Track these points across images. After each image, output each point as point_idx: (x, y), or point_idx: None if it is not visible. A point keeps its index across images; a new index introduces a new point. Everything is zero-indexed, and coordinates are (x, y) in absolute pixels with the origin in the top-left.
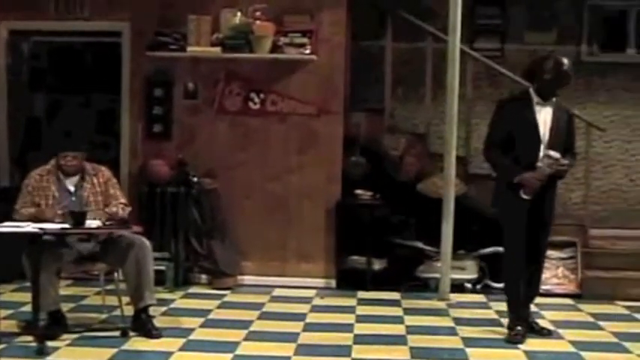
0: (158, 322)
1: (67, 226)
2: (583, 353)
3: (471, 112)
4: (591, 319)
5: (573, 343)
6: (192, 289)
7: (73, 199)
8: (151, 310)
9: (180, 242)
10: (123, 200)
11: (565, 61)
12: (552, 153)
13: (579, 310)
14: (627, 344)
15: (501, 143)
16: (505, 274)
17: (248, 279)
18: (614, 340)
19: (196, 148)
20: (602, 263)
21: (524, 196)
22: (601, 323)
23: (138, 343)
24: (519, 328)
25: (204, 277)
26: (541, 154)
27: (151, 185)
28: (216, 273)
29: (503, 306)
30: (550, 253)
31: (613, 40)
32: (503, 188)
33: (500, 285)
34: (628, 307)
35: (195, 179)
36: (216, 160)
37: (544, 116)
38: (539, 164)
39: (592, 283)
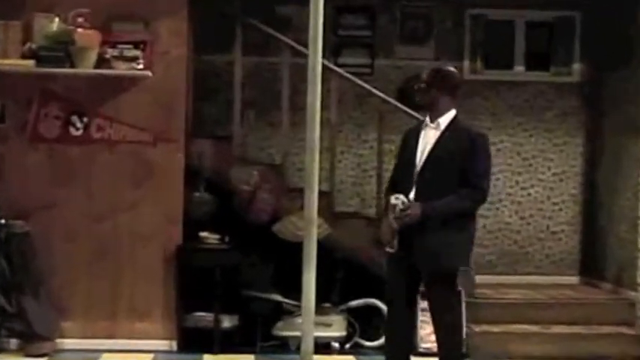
0: None
1: None
2: None
3: (336, 139)
4: None
5: None
6: None
7: None
8: None
9: None
10: None
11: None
12: (393, 199)
13: None
14: None
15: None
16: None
17: (69, 343)
18: None
19: (4, 183)
20: (490, 316)
21: (387, 249)
22: None
23: None
24: None
25: (13, 342)
26: (414, 183)
27: None
28: (29, 336)
29: None
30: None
31: (499, 55)
32: None
33: (374, 343)
34: None
35: (3, 221)
36: (30, 198)
37: (426, 140)
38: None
39: (479, 339)
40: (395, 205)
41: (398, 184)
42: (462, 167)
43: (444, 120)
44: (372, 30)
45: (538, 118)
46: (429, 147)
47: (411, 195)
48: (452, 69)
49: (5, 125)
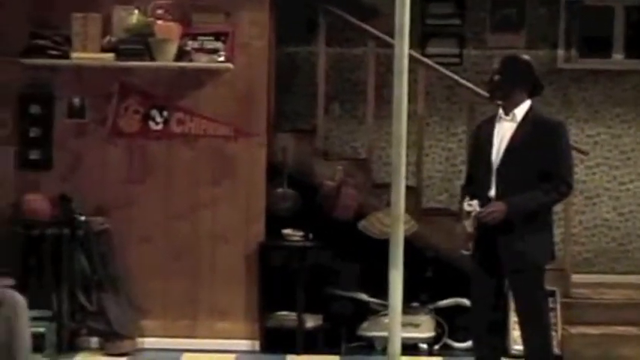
0: None
1: None
2: None
3: (424, 133)
4: None
5: None
6: (80, 356)
7: None
8: None
9: (63, 297)
10: None
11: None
12: (466, 205)
13: None
14: None
15: (475, 177)
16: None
17: (149, 342)
18: None
19: (84, 179)
20: (587, 317)
21: (463, 252)
22: None
23: None
24: None
25: (94, 341)
26: (493, 180)
27: (27, 226)
28: (110, 335)
29: None
30: None
31: (596, 43)
32: None
33: (464, 345)
34: None
35: (83, 218)
36: (109, 195)
37: (502, 133)
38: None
39: (575, 341)
40: (469, 212)
41: (475, 182)
42: (543, 159)
43: (520, 111)
44: (461, 18)
45: (638, 109)
46: (505, 141)
47: (492, 192)
48: (527, 57)
49: (85, 120)
